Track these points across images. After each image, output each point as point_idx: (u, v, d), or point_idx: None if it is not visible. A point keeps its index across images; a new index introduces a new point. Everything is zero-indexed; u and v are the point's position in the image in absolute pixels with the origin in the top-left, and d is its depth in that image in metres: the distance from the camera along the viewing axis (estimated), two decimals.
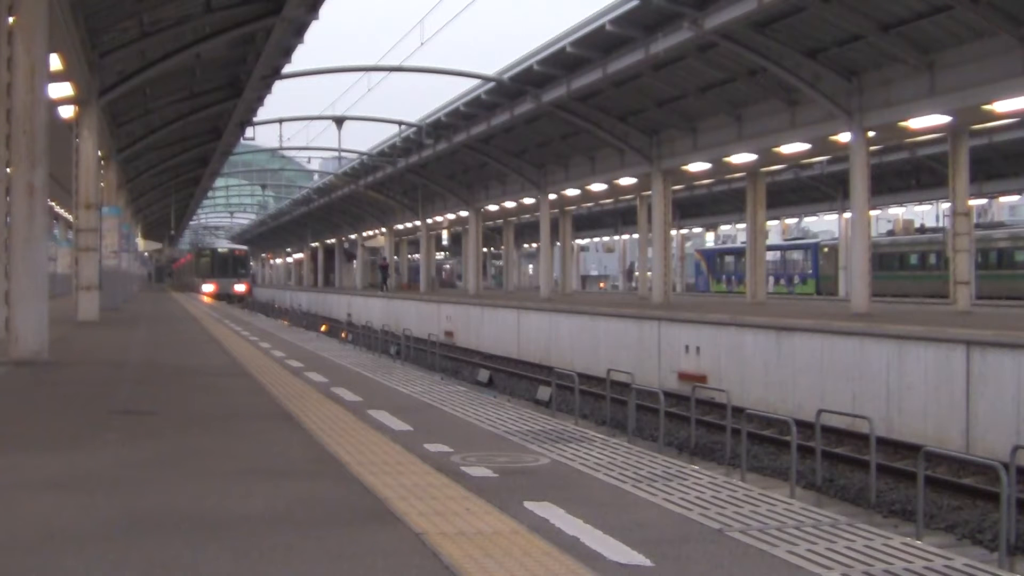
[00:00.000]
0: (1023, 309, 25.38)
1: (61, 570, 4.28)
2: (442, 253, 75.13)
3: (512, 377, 27.03)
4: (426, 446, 7.28)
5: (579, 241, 71.09)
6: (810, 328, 18.36)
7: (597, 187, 35.39)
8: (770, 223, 44.18)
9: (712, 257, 57.82)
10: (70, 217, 35.65)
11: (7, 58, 13.27)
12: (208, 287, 62.29)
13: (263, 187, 78.61)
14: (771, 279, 44.07)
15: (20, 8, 13.19)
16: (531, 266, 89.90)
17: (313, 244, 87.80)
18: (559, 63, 26.17)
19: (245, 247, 78.88)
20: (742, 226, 45.00)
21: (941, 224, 45.05)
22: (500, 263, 72.51)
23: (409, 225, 57.82)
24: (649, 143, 29.79)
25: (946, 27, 18.89)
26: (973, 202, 30.57)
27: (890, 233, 46.47)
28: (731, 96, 25.45)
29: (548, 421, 9.03)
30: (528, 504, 5.46)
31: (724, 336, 20.73)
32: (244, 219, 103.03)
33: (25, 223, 12.93)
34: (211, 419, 8.86)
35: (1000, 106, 19.34)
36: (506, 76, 28.72)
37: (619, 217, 59.19)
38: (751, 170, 29.25)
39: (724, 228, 62.19)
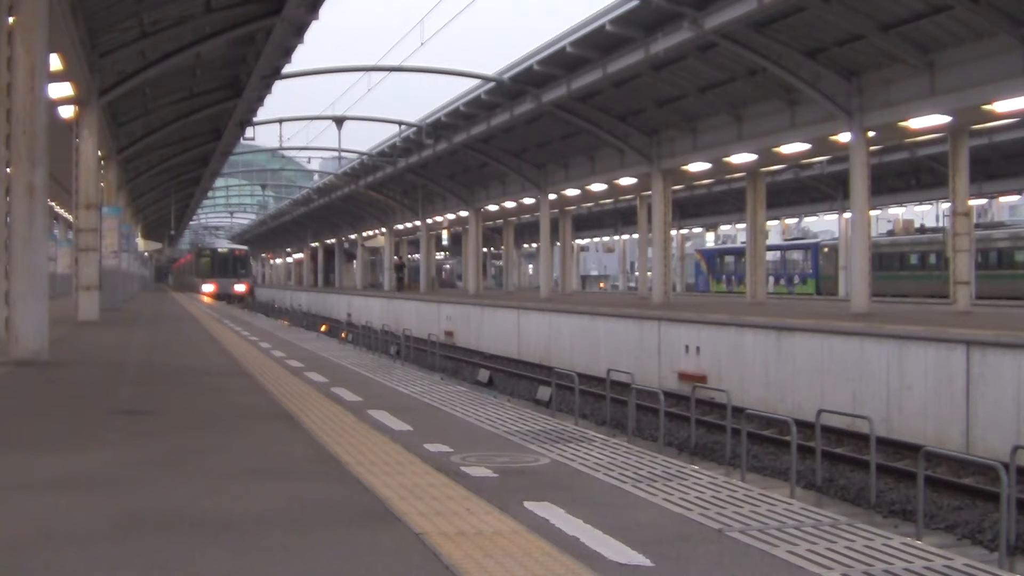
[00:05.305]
0: (1023, 309, 25.38)
1: (61, 570, 4.28)
2: (442, 253, 75.10)
3: (512, 377, 27.03)
4: (426, 446, 7.28)
5: (579, 241, 71.09)
6: (810, 328, 18.36)
7: (597, 187, 35.39)
8: (770, 223, 44.19)
9: (712, 257, 57.81)
10: (70, 217, 35.65)
11: (7, 58, 13.25)
12: (208, 287, 62.24)
13: (263, 187, 78.58)
14: (771, 279, 44.08)
15: (20, 8, 13.17)
16: (531, 266, 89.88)
17: (313, 244, 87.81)
18: (559, 63, 26.17)
19: (245, 247, 78.83)
20: (742, 226, 45.00)
21: (941, 224, 45.07)
22: (500, 263, 72.50)
23: (409, 225, 57.81)
24: (649, 143, 29.79)
25: (946, 27, 18.89)
26: (973, 202, 30.57)
27: (890, 233, 46.47)
28: (731, 96, 25.45)
29: (548, 421, 9.03)
30: (528, 504, 5.46)
31: (724, 336, 20.73)
32: (244, 219, 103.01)
33: (25, 223, 12.92)
34: (211, 419, 8.86)
35: (1000, 106, 19.33)
36: (506, 76, 28.73)
37: (619, 217, 59.18)
38: (751, 170, 29.25)
39: (724, 228, 62.20)
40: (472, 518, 5.16)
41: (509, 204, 43.14)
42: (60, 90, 20.07)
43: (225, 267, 65.63)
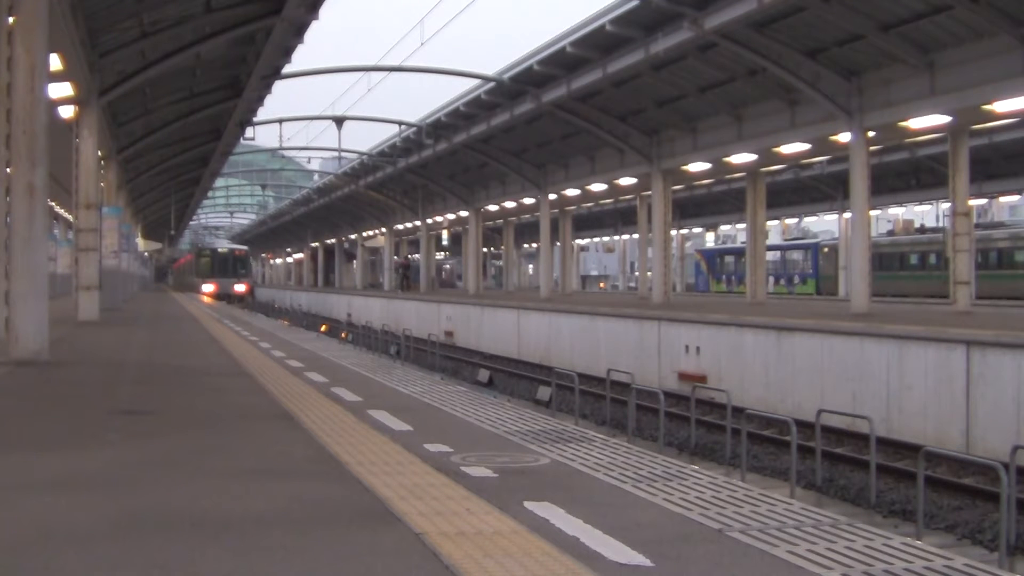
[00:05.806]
0: (1023, 309, 25.38)
1: (61, 570, 4.28)
2: (442, 253, 75.09)
3: (512, 377, 27.02)
4: (426, 446, 7.28)
5: (579, 241, 71.09)
6: (810, 328, 18.36)
7: (597, 187, 35.39)
8: (770, 223, 44.19)
9: (712, 257, 57.82)
10: (70, 217, 35.65)
11: (7, 58, 13.25)
12: (208, 287, 62.22)
13: (263, 187, 78.61)
14: (771, 279, 44.08)
15: (20, 8, 13.17)
16: (531, 266, 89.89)
17: (313, 244, 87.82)
18: (559, 63, 26.17)
19: (245, 247, 78.83)
20: (742, 226, 45.00)
21: (941, 224, 45.08)
22: (500, 263, 72.49)
23: (409, 225, 57.80)
24: (649, 143, 29.79)
25: (946, 27, 18.90)
26: (973, 202, 30.57)
27: (890, 233, 46.48)
28: (731, 96, 25.45)
29: (548, 421, 9.03)
30: (528, 504, 5.46)
31: (724, 336, 20.73)
32: (244, 219, 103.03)
33: (25, 223, 12.92)
34: (211, 419, 8.86)
35: (1000, 106, 19.33)
36: (506, 76, 28.73)
37: (619, 217, 59.20)
38: (751, 170, 29.25)
39: (724, 228, 62.20)
40: (472, 518, 5.16)
41: (509, 204, 43.14)
42: (60, 90, 20.07)
43: (225, 267, 65.60)
